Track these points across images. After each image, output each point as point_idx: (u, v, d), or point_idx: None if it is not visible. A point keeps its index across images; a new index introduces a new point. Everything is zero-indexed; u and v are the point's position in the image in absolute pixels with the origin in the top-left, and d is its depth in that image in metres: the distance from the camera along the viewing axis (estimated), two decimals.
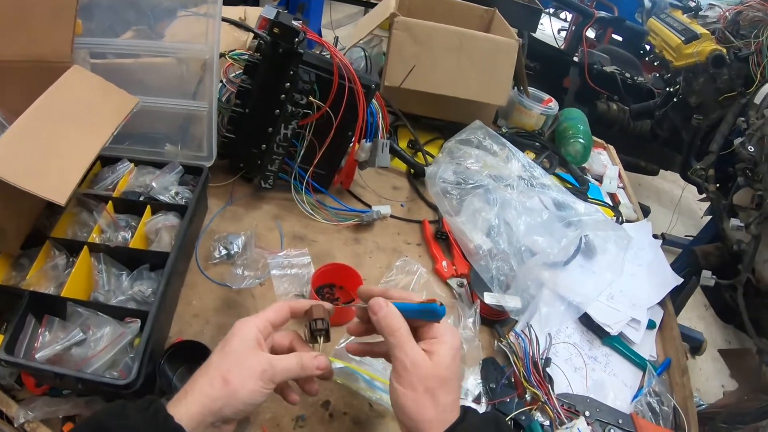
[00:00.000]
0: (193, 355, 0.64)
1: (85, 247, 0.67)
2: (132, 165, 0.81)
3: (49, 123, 0.65)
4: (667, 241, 2.34)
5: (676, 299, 1.58)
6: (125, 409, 0.47)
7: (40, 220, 0.72)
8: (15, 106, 0.63)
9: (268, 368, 0.50)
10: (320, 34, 2.57)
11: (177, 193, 0.79)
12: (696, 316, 2.34)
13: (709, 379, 2.07)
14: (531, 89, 1.41)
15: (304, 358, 0.54)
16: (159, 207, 0.76)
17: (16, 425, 0.58)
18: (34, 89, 0.65)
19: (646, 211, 2.54)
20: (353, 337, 0.64)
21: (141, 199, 0.77)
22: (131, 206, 0.76)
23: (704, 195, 1.62)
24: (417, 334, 0.55)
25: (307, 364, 0.53)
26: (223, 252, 0.82)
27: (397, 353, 0.52)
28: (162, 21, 0.90)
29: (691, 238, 2.11)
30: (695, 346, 2.07)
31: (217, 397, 0.48)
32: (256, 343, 0.52)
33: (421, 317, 0.54)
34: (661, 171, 2.67)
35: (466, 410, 0.52)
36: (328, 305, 0.58)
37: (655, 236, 1.12)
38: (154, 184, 0.78)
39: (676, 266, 1.65)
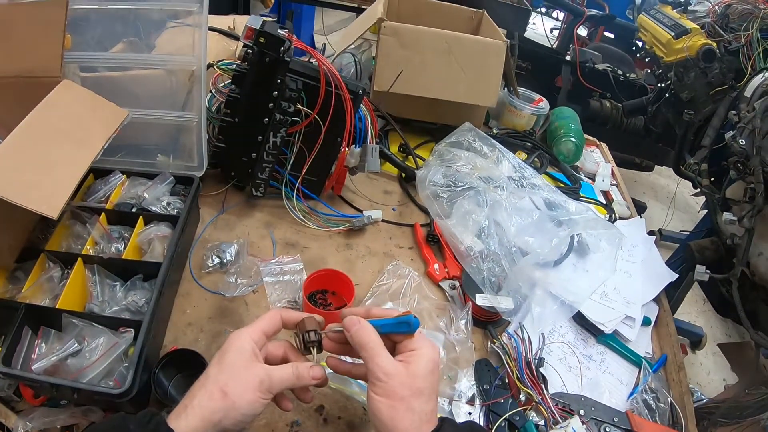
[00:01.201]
0: (188, 364, 0.65)
1: (79, 259, 0.68)
2: (124, 177, 0.82)
3: (40, 138, 0.66)
4: (664, 236, 2.34)
5: (673, 295, 1.58)
6: (126, 422, 0.48)
7: (34, 234, 0.74)
8: (5, 121, 0.64)
9: (266, 379, 0.51)
10: (312, 41, 2.58)
11: (169, 204, 0.80)
12: (696, 310, 2.34)
13: (710, 374, 2.07)
14: (521, 89, 1.42)
15: (300, 369, 0.54)
16: (151, 218, 0.77)
17: None
18: (24, 104, 0.66)
19: (642, 208, 2.55)
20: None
21: (133, 210, 0.78)
22: (124, 217, 0.77)
23: (698, 190, 1.62)
24: (397, 349, 0.56)
25: (303, 374, 0.54)
26: (216, 260, 0.83)
27: (371, 365, 0.52)
28: (152, 33, 0.91)
29: (688, 233, 2.11)
30: (695, 340, 2.07)
31: (216, 410, 0.48)
32: (252, 354, 0.53)
33: (397, 330, 0.55)
34: (657, 167, 2.67)
35: (443, 420, 0.52)
36: (318, 317, 0.58)
37: (651, 232, 1.12)
38: (146, 195, 0.79)
39: (672, 262, 1.66)
